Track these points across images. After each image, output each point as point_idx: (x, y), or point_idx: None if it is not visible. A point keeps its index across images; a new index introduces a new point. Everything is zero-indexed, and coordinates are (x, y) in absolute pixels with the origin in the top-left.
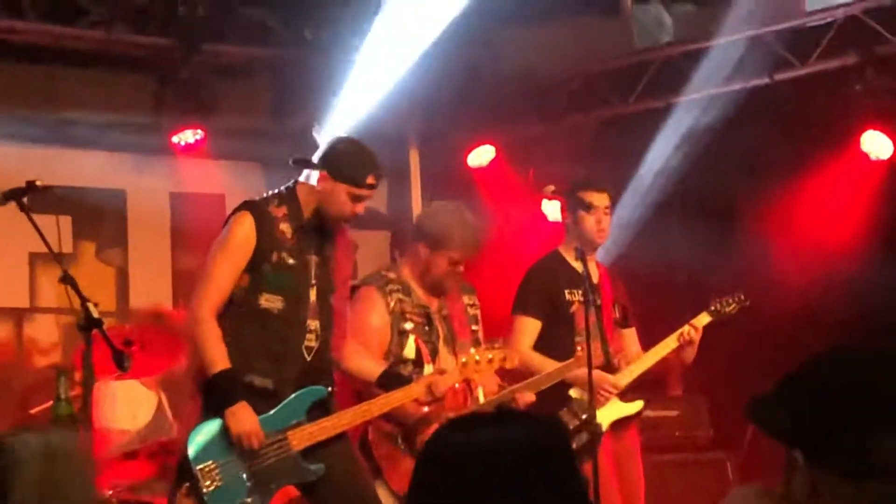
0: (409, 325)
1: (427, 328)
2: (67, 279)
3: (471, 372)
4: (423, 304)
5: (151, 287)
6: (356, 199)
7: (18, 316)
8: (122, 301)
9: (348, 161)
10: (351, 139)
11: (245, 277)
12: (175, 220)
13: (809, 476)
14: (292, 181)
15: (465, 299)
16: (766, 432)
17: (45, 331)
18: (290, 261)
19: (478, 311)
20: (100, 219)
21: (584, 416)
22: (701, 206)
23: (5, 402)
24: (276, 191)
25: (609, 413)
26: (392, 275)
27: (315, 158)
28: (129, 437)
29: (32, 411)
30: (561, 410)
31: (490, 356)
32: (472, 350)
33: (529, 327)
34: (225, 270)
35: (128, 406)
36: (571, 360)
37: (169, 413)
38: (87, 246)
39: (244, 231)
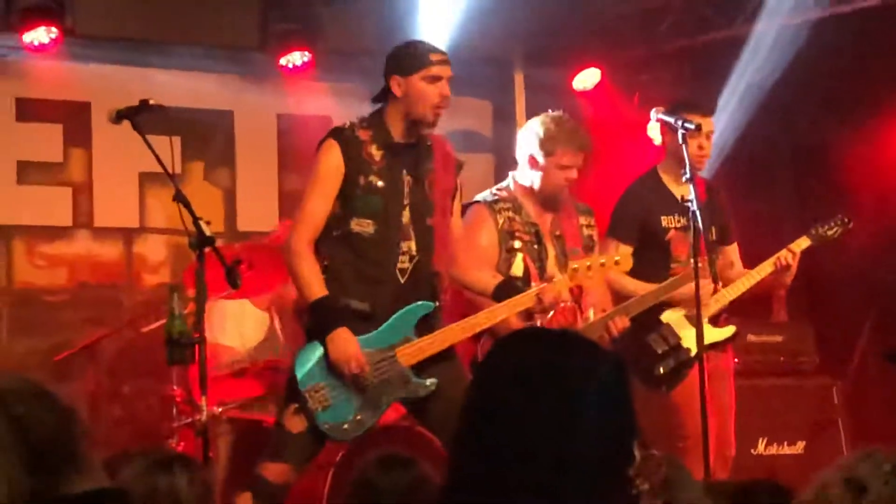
0: (517, 244)
1: (536, 246)
2: (180, 197)
3: (581, 278)
4: (534, 221)
5: (258, 208)
6: (433, 80)
7: (128, 235)
8: (230, 222)
9: (405, 53)
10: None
11: (337, 203)
12: (282, 141)
13: None
14: (378, 103)
15: (582, 219)
16: None
17: (154, 250)
18: (379, 183)
19: (594, 232)
20: (208, 139)
21: (672, 342)
22: (798, 132)
23: (116, 320)
24: (366, 115)
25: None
26: (503, 192)
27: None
28: (237, 355)
29: (143, 330)
30: (651, 335)
31: (602, 260)
32: (582, 257)
33: (620, 252)
34: (316, 200)
35: (237, 324)
36: (678, 276)
37: (280, 333)
38: (195, 166)
39: (332, 158)
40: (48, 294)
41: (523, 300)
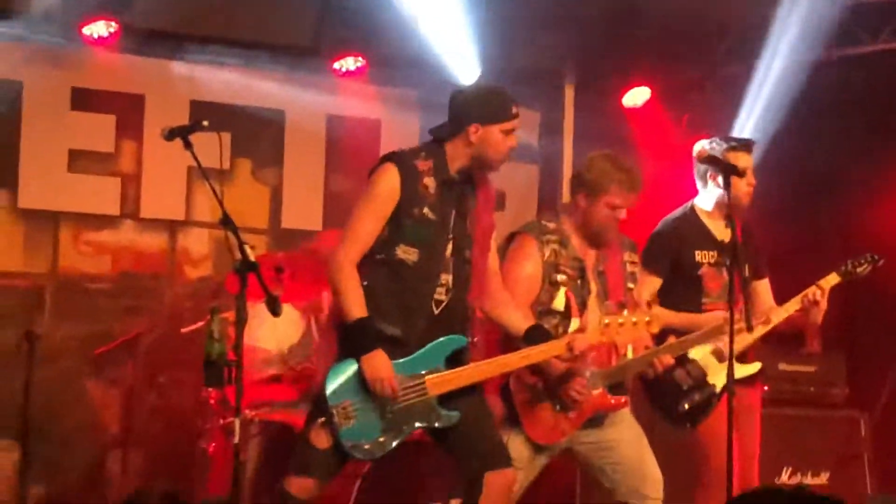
0: (561, 277)
1: (579, 282)
2: (227, 222)
3: (612, 333)
4: (579, 256)
5: (303, 207)
6: (508, 133)
7: (173, 228)
8: (275, 220)
9: (489, 102)
10: (472, 85)
11: (385, 228)
12: (330, 142)
13: None
14: (438, 136)
15: (625, 256)
16: None
17: (198, 244)
18: (431, 215)
19: (636, 269)
20: (258, 137)
21: (698, 378)
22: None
23: (156, 311)
24: (422, 144)
25: (725, 375)
26: (551, 225)
27: (451, 118)
28: (272, 357)
29: (183, 330)
30: (676, 371)
31: (634, 319)
32: (616, 312)
33: (648, 284)
34: (368, 221)
35: (273, 326)
36: (718, 325)
37: (316, 335)
38: (243, 163)
39: (389, 183)
40: (91, 281)
41: (554, 348)
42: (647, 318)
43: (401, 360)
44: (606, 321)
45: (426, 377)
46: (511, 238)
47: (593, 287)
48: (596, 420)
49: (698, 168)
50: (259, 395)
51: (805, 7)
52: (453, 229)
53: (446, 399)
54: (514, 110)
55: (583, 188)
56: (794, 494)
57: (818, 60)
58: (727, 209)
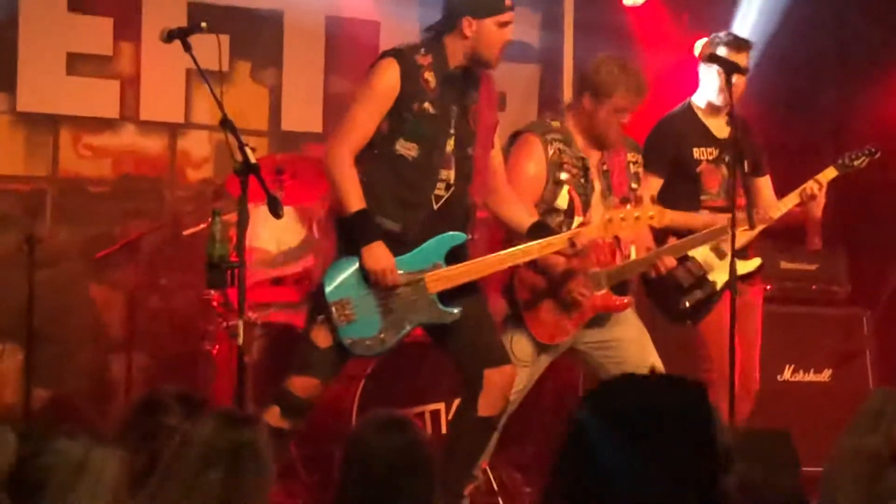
0: (564, 176)
1: (583, 180)
2: (227, 124)
3: (616, 229)
4: (583, 155)
5: (303, 108)
6: (503, 25)
7: (173, 130)
8: (274, 121)
9: None
10: None
11: (385, 122)
12: (329, 43)
13: None
14: (437, 31)
15: (629, 156)
16: None
17: (198, 146)
18: (432, 110)
19: (640, 169)
20: (256, 38)
21: (698, 275)
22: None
23: (158, 214)
24: (422, 39)
25: (725, 272)
26: (555, 123)
27: (445, 13)
28: (271, 256)
29: (185, 233)
30: (677, 269)
31: (637, 214)
32: (619, 207)
33: (650, 183)
34: (367, 114)
35: (276, 230)
36: (720, 226)
37: (316, 236)
38: (242, 65)
39: (389, 77)
40: (92, 184)
41: (555, 242)
42: (650, 213)
43: (400, 257)
44: (609, 217)
45: (426, 273)
46: (514, 137)
47: (597, 186)
48: (599, 319)
49: (701, 66)
50: (261, 297)
51: None
52: (455, 125)
53: (446, 298)
54: (509, 2)
55: (588, 90)
56: (646, 377)
57: None
58: (728, 107)
